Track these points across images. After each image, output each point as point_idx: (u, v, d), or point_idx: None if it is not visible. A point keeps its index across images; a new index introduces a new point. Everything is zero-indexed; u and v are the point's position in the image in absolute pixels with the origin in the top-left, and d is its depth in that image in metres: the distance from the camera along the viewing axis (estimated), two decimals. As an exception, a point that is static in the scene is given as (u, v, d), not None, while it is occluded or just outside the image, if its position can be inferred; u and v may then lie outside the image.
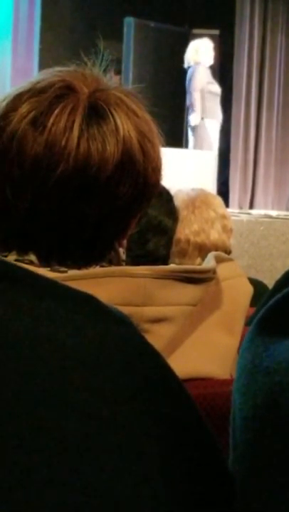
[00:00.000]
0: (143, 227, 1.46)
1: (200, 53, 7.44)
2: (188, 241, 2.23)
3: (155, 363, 0.48)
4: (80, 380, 0.43)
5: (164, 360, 0.48)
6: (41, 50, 7.70)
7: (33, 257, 1.04)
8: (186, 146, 7.85)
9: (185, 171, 5.50)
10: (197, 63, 7.43)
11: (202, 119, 7.41)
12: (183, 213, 2.22)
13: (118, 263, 1.09)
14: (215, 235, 2.25)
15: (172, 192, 1.61)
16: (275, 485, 0.45)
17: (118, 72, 7.21)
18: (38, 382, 0.42)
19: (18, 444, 0.40)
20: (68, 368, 0.43)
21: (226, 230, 2.30)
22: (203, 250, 2.19)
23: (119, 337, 0.46)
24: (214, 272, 1.11)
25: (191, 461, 0.47)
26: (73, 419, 0.42)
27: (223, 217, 2.30)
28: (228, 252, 2.21)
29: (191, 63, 7.50)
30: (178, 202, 2.18)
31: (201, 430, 0.48)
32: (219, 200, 2.41)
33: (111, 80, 1.09)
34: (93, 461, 0.42)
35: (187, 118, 7.93)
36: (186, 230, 2.22)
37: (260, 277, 3.22)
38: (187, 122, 7.81)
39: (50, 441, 0.41)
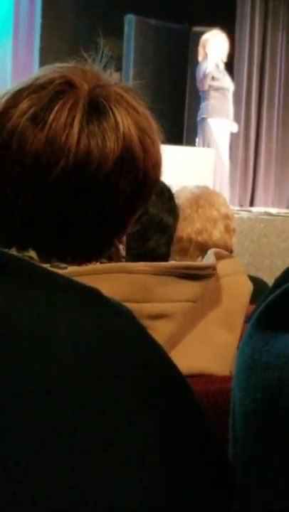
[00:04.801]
0: (144, 225, 1.46)
1: (207, 47, 7.29)
2: (190, 240, 2.23)
3: (157, 357, 0.48)
4: (80, 372, 0.43)
5: (165, 354, 0.48)
6: (42, 48, 7.69)
7: (32, 254, 1.04)
8: (186, 144, 7.83)
9: (184, 168, 5.49)
10: (204, 58, 7.30)
11: (204, 118, 7.30)
12: (186, 211, 2.22)
13: (118, 259, 1.09)
14: (217, 234, 2.26)
15: (174, 189, 1.61)
16: (275, 479, 0.45)
17: (118, 69, 7.18)
18: (39, 374, 0.42)
19: (18, 437, 0.40)
20: (69, 360, 0.43)
21: (229, 230, 2.30)
22: (204, 250, 2.18)
23: (121, 330, 0.46)
24: (214, 268, 1.11)
25: (191, 454, 0.47)
26: (73, 411, 0.42)
27: (226, 217, 2.30)
28: (229, 251, 2.21)
29: (200, 58, 7.37)
30: (182, 199, 2.18)
31: (201, 423, 0.48)
32: (223, 199, 2.41)
33: (111, 77, 1.09)
34: (93, 453, 0.42)
35: (187, 116, 7.89)
36: (188, 229, 2.23)
37: (260, 275, 3.22)
38: (187, 120, 7.75)
39: (49, 435, 0.41)
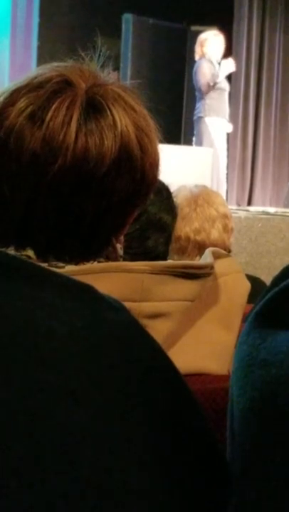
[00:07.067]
0: (142, 224, 1.46)
1: (205, 46, 7.28)
2: (188, 239, 2.23)
3: (154, 354, 0.48)
4: (74, 366, 0.43)
5: (162, 351, 0.48)
6: (39, 47, 7.69)
7: (30, 253, 1.03)
8: (184, 143, 7.82)
9: (182, 167, 5.49)
10: (201, 57, 7.29)
11: (201, 117, 7.30)
12: (185, 211, 2.22)
13: (116, 259, 1.09)
14: (215, 234, 2.26)
15: (172, 189, 1.61)
16: (272, 476, 0.45)
17: (116, 68, 7.16)
18: (37, 369, 0.42)
19: (14, 432, 0.40)
20: (63, 355, 0.43)
21: (227, 229, 2.31)
22: (202, 249, 2.19)
23: (116, 324, 0.46)
24: (212, 267, 1.11)
25: (189, 453, 0.47)
26: (70, 407, 0.42)
27: (225, 216, 2.31)
28: (227, 251, 2.21)
29: (197, 57, 7.36)
30: (180, 198, 2.18)
31: (199, 422, 0.48)
32: (221, 199, 2.42)
33: (108, 76, 1.09)
34: (87, 448, 0.42)
35: (185, 115, 7.87)
36: (186, 228, 2.23)
37: (258, 274, 3.22)
38: (185, 119, 7.74)
39: (43, 430, 0.41)
